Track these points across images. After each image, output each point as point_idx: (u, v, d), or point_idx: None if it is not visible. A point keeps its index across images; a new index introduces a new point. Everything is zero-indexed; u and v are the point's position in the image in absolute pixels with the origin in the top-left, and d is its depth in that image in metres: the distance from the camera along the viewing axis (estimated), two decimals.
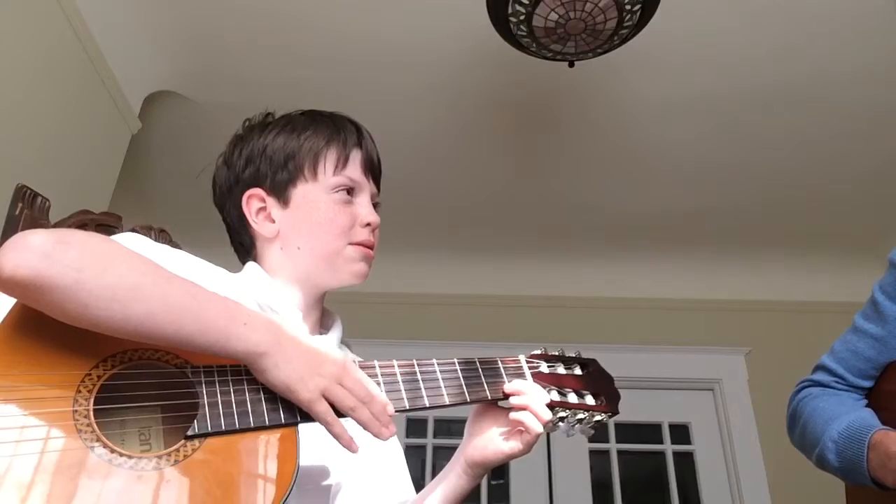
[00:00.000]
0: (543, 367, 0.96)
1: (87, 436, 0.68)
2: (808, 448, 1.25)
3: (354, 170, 1.00)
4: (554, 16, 1.85)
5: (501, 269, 3.47)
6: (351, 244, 0.98)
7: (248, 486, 0.71)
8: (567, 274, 3.47)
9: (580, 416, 0.92)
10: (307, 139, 1.00)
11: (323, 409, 0.74)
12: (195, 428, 0.72)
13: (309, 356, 0.75)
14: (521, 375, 0.94)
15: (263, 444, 0.73)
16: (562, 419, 0.92)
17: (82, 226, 1.20)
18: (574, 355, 1.02)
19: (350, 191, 1.00)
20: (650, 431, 3.21)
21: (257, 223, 1.00)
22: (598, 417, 0.94)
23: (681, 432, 3.20)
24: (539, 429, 0.87)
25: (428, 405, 0.85)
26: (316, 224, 0.97)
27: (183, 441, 0.71)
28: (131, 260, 0.73)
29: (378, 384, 0.82)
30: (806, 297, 3.40)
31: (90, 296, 0.67)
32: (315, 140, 1.00)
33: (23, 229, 1.11)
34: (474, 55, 2.37)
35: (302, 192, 0.98)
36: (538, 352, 0.99)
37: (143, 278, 0.71)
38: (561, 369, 0.98)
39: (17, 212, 1.12)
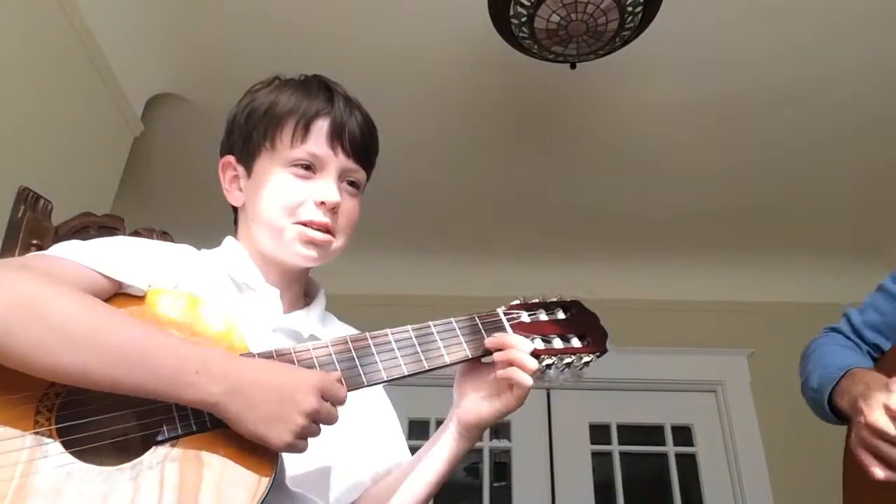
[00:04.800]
0: (524, 317, 0.93)
1: (55, 454, 0.66)
2: (801, 374, 1.30)
3: (317, 143, 0.92)
4: (555, 17, 1.85)
5: (503, 271, 3.47)
6: (298, 223, 0.90)
7: (228, 483, 0.69)
8: (569, 276, 3.46)
9: (567, 360, 0.90)
10: (271, 108, 0.94)
11: (300, 447, 0.71)
12: (165, 432, 0.70)
13: (276, 394, 0.70)
14: (501, 329, 0.90)
15: (240, 439, 0.71)
16: (549, 366, 0.89)
17: (84, 228, 1.20)
18: (555, 299, 0.98)
19: (310, 165, 0.92)
20: (653, 433, 3.20)
21: (228, 191, 0.98)
22: (586, 359, 0.91)
23: (683, 434, 3.19)
24: (528, 381, 0.84)
25: (406, 373, 0.83)
26: (264, 198, 0.92)
27: (156, 446, 0.69)
28: (67, 306, 0.68)
29: (353, 359, 0.81)
30: (808, 299, 3.39)
31: (17, 347, 0.65)
32: (278, 109, 0.94)
33: (25, 232, 1.11)
34: (476, 57, 2.37)
35: (261, 163, 0.94)
36: (517, 302, 0.95)
37: (78, 327, 0.67)
38: (543, 316, 0.94)
39: (19, 214, 1.12)
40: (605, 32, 1.89)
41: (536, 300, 0.96)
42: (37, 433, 0.66)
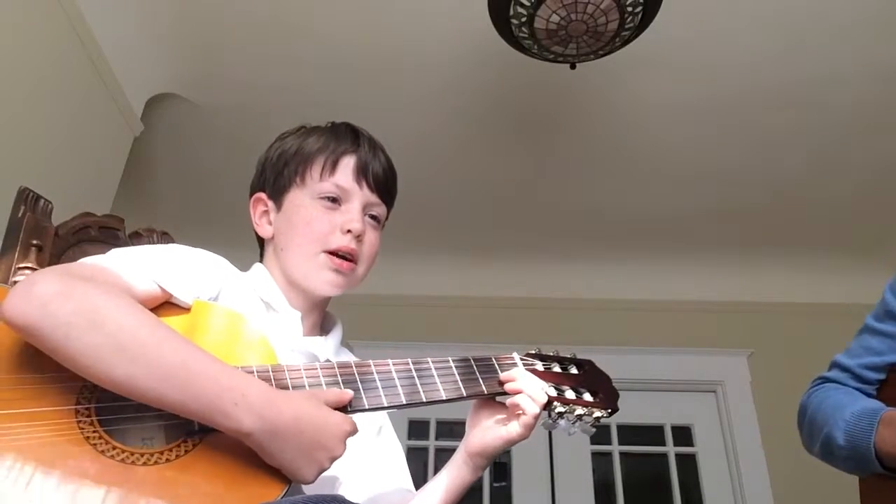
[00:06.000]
0: (539, 366, 0.97)
1: (91, 435, 0.70)
2: (815, 434, 1.24)
3: (344, 176, 1.00)
4: (555, 18, 1.85)
5: (503, 272, 3.47)
6: (326, 251, 0.97)
7: (249, 480, 0.72)
8: (569, 276, 3.47)
9: (579, 412, 0.92)
10: (302, 147, 1.03)
11: (316, 482, 0.75)
12: (195, 425, 0.73)
13: (308, 441, 0.73)
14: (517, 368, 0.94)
15: None
16: (561, 415, 0.91)
17: (84, 228, 1.20)
18: (570, 356, 1.02)
19: (336, 198, 0.99)
20: (653, 433, 3.20)
21: (258, 224, 1.05)
22: (597, 414, 0.93)
23: (683, 434, 3.19)
24: (536, 409, 0.88)
25: (425, 400, 0.86)
26: (294, 228, 0.99)
27: (184, 437, 0.73)
28: (126, 319, 0.73)
29: (374, 381, 0.84)
30: (808, 299, 3.39)
31: (75, 351, 0.69)
32: (308, 148, 1.02)
33: (25, 232, 1.11)
34: (476, 58, 2.37)
35: (292, 197, 1.01)
36: (533, 351, 0.99)
37: (132, 341, 0.71)
38: (556, 368, 0.98)
39: (19, 214, 1.12)
40: (605, 32, 1.89)
41: (551, 353, 1.00)
42: (77, 410, 0.71)
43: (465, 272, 3.47)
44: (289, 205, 1.01)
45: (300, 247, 0.98)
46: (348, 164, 1.01)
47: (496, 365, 0.94)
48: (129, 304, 0.75)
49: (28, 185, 1.15)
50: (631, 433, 3.19)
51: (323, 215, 0.98)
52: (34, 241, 1.10)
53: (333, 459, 0.75)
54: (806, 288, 3.42)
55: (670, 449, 3.15)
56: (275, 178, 1.04)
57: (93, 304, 0.72)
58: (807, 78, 2.42)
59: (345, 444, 0.76)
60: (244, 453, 0.73)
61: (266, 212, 1.04)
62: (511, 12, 1.87)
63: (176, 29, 2.35)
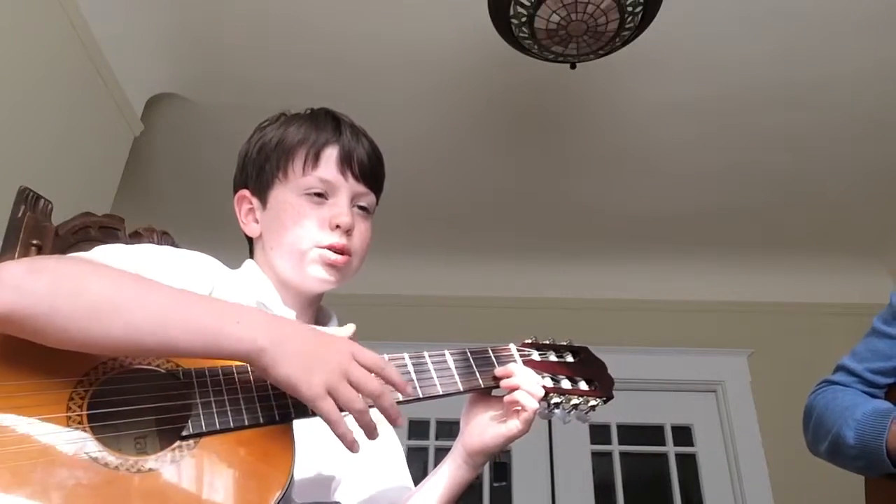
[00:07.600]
0: (535, 356, 0.96)
1: (83, 441, 0.68)
2: (823, 434, 1.24)
3: (327, 169, 0.97)
4: (555, 17, 1.85)
5: (503, 271, 3.47)
6: (319, 247, 0.94)
7: (245, 484, 0.71)
8: (568, 276, 3.47)
9: (575, 401, 0.92)
10: (282, 140, 0.99)
11: (327, 407, 0.70)
12: (189, 428, 0.72)
13: (313, 348, 0.72)
14: (513, 362, 0.93)
15: (259, 442, 0.73)
16: (557, 405, 0.92)
17: (84, 228, 1.20)
18: (565, 343, 1.01)
19: (322, 192, 0.96)
20: (653, 433, 3.20)
21: (245, 223, 1.03)
22: (592, 403, 0.93)
23: (683, 434, 3.19)
24: (534, 405, 0.87)
25: (421, 396, 0.85)
26: (282, 227, 0.96)
27: (178, 442, 0.71)
28: (107, 276, 0.71)
29: None
30: (808, 299, 3.40)
31: (67, 319, 0.66)
32: (288, 141, 0.99)
33: (25, 232, 1.11)
34: (476, 57, 2.37)
35: (276, 194, 0.98)
36: (529, 340, 0.98)
37: (121, 292, 0.69)
38: (552, 357, 0.98)
39: (19, 214, 1.12)
40: (605, 32, 1.89)
41: (547, 342, 1.00)
42: (68, 417, 0.69)
43: (465, 272, 3.47)
44: (274, 202, 0.98)
45: (290, 246, 0.95)
46: (331, 155, 0.97)
47: (493, 357, 0.93)
48: (104, 264, 0.73)
49: (28, 185, 1.15)
50: (631, 433, 3.19)
51: (310, 212, 0.95)
52: (34, 241, 1.11)
53: (341, 369, 0.71)
54: (806, 288, 3.42)
55: (670, 449, 3.15)
56: (257, 174, 1.00)
57: (69, 271, 0.69)
58: (806, 78, 2.42)
59: (350, 358, 0.73)
60: (238, 458, 0.71)
61: (251, 210, 1.01)
62: (511, 12, 1.87)
63: (176, 28, 2.35)
